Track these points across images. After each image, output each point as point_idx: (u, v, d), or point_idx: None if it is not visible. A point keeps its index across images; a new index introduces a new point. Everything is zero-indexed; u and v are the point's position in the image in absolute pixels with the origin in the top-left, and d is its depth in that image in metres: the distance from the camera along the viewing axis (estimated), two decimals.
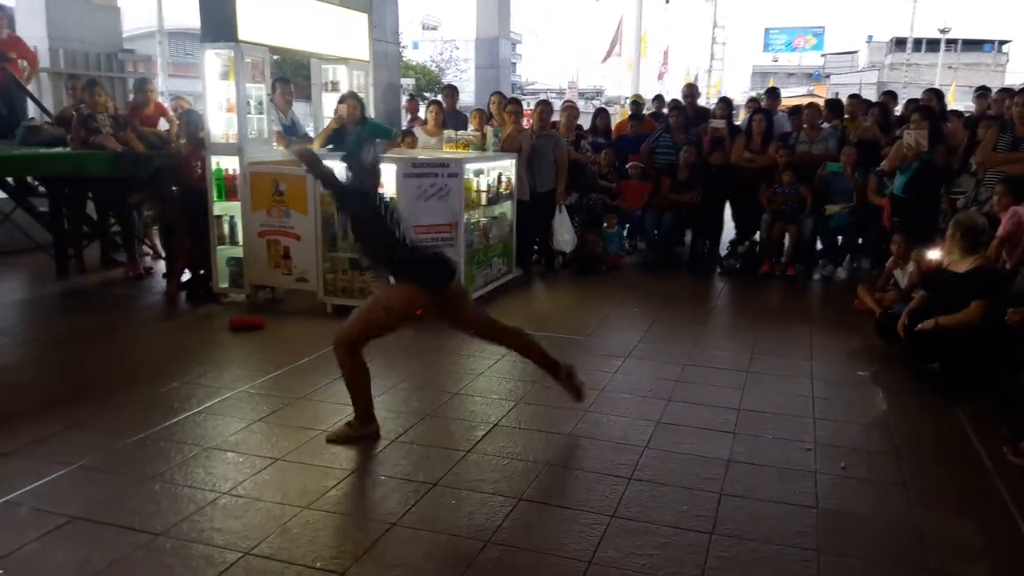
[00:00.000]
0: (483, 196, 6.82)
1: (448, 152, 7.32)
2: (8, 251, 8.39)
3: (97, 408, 4.29)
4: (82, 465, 3.57)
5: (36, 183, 7.83)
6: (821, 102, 10.17)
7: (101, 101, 7.02)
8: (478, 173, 6.76)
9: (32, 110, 8.62)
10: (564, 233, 7.92)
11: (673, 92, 17.21)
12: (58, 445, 3.78)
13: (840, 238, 8.27)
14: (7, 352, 5.39)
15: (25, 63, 8.43)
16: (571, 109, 9.13)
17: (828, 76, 53.39)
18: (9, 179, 7.55)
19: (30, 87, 8.70)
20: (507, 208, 7.39)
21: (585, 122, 10.15)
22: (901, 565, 2.96)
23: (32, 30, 9.65)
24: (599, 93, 51.32)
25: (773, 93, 9.84)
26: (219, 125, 6.36)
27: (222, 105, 6.31)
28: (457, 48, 40.88)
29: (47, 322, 6.39)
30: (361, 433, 3.91)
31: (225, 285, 6.65)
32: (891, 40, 55.51)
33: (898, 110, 9.10)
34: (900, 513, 3.34)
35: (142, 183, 7.38)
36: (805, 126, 8.44)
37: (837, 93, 23.99)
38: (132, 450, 3.76)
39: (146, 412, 4.21)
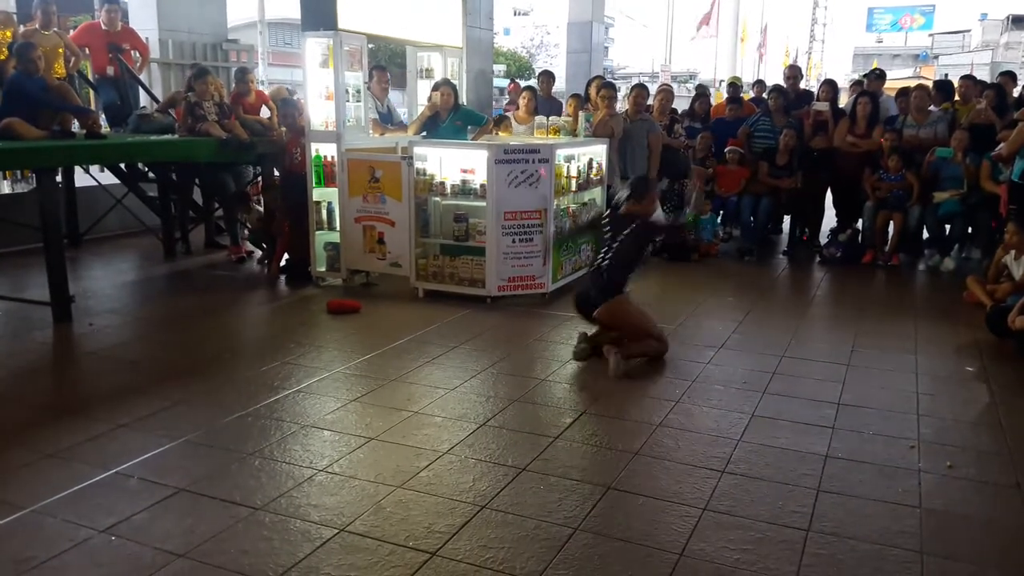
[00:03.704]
0: (573, 182, 6.77)
1: (539, 138, 7.30)
2: (120, 234, 8.88)
3: (202, 385, 4.48)
4: (188, 439, 3.73)
5: (146, 169, 8.20)
6: (929, 84, 9.68)
7: (208, 89, 7.26)
8: (569, 159, 6.71)
9: (143, 99, 8.99)
10: None
11: (772, 74, 16.69)
12: (166, 419, 3.96)
13: (948, 227, 7.90)
14: (120, 330, 5.68)
15: (138, 54, 8.78)
16: (665, 92, 8.95)
17: (937, 57, 50.83)
18: (122, 165, 7.92)
19: (142, 77, 9.08)
20: (597, 194, 7.31)
21: (680, 106, 9.93)
22: (1016, 573, 2.81)
23: (144, 22, 10.04)
24: (692, 76, 50.29)
25: (877, 75, 9.42)
26: (319, 113, 6.50)
27: (321, 93, 6.46)
28: (548, 33, 40.75)
29: (156, 301, 6.70)
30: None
31: (322, 269, 6.83)
32: (1007, 18, 52.40)
33: (1016, 91, 8.59)
34: (1014, 518, 3.17)
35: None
36: (913, 109, 8.08)
37: (947, 75, 22.80)
38: (234, 426, 3.91)
39: (248, 390, 4.37)
